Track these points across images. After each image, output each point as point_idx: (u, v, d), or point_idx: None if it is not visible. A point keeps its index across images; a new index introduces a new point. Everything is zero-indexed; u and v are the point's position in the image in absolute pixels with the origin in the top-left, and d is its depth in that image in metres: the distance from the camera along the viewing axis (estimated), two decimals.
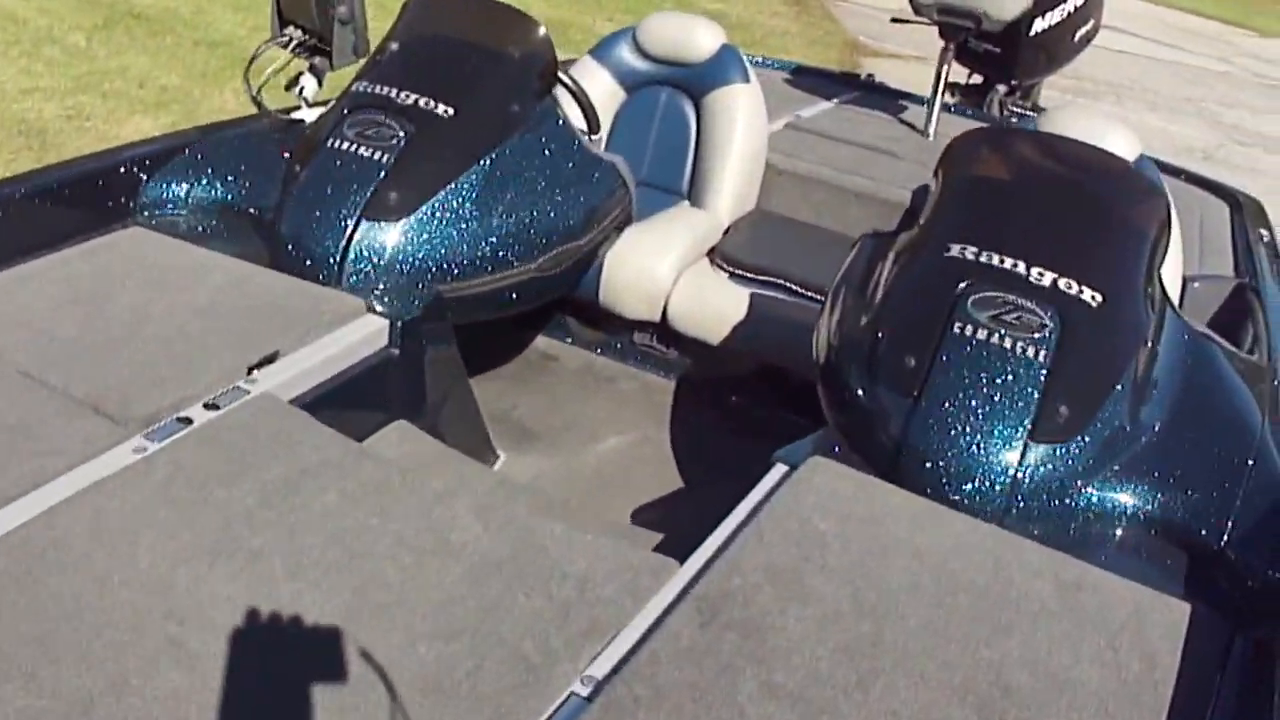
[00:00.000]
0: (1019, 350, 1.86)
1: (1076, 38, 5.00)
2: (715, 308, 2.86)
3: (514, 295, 2.49)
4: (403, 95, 2.40)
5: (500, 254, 2.39)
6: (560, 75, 2.69)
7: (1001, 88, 5.21)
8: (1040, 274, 1.94)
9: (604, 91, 3.28)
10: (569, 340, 3.17)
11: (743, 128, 3.15)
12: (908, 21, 4.15)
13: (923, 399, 1.86)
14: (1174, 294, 2.69)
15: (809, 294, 2.82)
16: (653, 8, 10.33)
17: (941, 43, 3.99)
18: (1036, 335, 1.88)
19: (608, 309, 2.92)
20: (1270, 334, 2.54)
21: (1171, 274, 2.43)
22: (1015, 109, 5.20)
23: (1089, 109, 2.89)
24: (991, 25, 3.86)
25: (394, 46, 2.56)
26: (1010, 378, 1.84)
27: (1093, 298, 1.93)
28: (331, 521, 1.63)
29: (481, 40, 2.58)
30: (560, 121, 2.57)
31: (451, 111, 2.39)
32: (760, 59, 4.86)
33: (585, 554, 1.61)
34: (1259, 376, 2.19)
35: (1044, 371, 1.85)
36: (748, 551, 1.60)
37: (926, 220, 2.15)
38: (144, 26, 7.62)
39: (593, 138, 2.80)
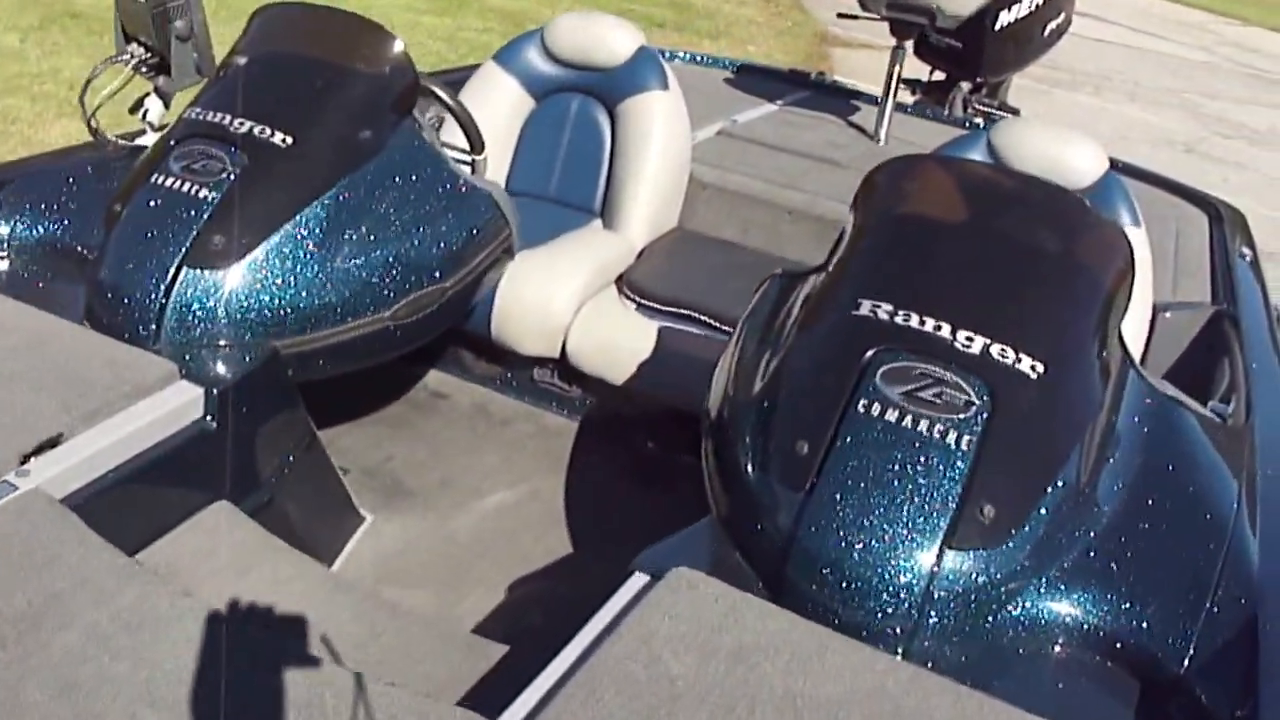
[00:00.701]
0: (936, 435, 1.52)
1: (1046, 31, 4.70)
2: (619, 343, 2.56)
3: (366, 348, 2.16)
4: (236, 123, 2.08)
5: (348, 302, 2.06)
6: (437, 91, 2.36)
7: (966, 85, 4.91)
8: (968, 339, 1.60)
9: (510, 100, 2.98)
10: (462, 375, 2.85)
11: (660, 140, 2.85)
12: (855, 17, 3.82)
13: (815, 493, 1.53)
14: (1142, 327, 2.36)
15: (724, 328, 2.50)
16: None
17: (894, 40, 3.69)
18: (960, 417, 1.54)
19: (500, 344, 2.60)
20: (1250, 376, 2.21)
21: (1139, 304, 2.10)
22: (981, 107, 4.90)
23: (1046, 122, 2.54)
24: (946, 21, 3.57)
25: (234, 66, 2.23)
26: (923, 469, 1.51)
27: (1032, 368, 1.60)
28: (68, 669, 1.30)
29: (328, 58, 2.24)
30: (421, 147, 2.23)
31: (289, 140, 2.06)
32: (700, 56, 4.54)
33: (370, 713, 1.28)
34: (1236, 443, 1.87)
35: (967, 461, 1.52)
36: (572, 711, 1.27)
37: (834, 268, 1.81)
38: (82, 26, 7.32)
39: (477, 158, 2.47)
